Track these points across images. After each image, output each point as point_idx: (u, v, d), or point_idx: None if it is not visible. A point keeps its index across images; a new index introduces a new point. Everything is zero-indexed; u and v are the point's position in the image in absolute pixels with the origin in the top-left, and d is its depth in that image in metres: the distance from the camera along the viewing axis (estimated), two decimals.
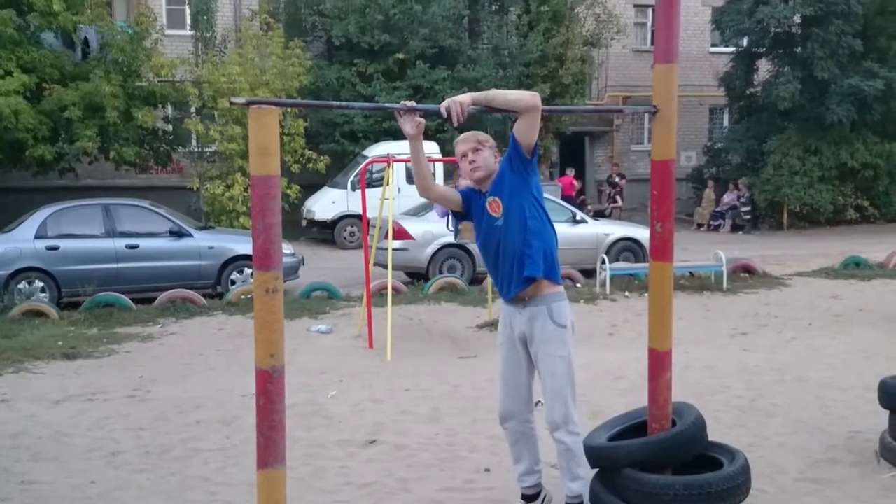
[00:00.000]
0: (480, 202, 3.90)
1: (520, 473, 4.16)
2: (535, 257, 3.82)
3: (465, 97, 3.60)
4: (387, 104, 3.60)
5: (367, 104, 4.15)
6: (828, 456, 5.05)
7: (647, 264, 13.73)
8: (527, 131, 3.71)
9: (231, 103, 3.40)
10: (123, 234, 11.72)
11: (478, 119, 18.16)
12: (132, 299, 10.83)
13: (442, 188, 4.14)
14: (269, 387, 3.22)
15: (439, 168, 15.51)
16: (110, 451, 5.39)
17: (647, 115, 25.38)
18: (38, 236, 11.34)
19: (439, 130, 19.56)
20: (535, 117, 3.67)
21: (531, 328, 3.87)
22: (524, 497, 4.16)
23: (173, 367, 7.94)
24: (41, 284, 11.19)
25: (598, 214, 19.83)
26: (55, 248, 11.31)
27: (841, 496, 4.43)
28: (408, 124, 3.60)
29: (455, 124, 3.62)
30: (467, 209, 3.99)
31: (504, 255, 3.84)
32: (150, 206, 12.39)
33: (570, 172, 22.10)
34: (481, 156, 3.87)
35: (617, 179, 22.36)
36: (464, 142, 3.92)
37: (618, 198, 22.00)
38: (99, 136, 15.79)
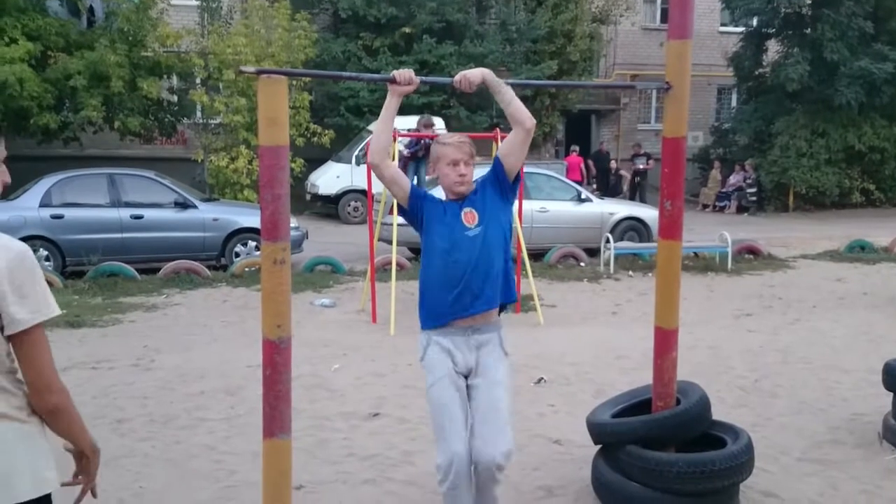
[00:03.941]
0: (451, 211, 3.51)
1: None
2: (514, 283, 3.65)
3: (478, 74, 3.45)
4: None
5: (376, 76, 4.14)
6: (830, 437, 5.08)
7: (651, 244, 13.69)
8: (516, 152, 3.51)
9: (240, 72, 3.37)
10: (128, 205, 11.71)
11: (487, 96, 18.11)
12: (136, 269, 10.85)
13: (397, 169, 3.65)
14: (275, 357, 3.22)
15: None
16: (115, 419, 5.42)
17: (654, 94, 25.33)
18: (42, 205, 11.34)
19: (445, 106, 19.47)
20: (526, 138, 3.50)
21: (478, 356, 3.52)
22: None
23: (177, 338, 7.96)
24: (45, 253, 11.19)
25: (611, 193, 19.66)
26: (60, 217, 11.31)
27: (843, 477, 4.45)
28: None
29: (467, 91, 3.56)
30: (416, 208, 3.55)
31: (476, 270, 3.43)
32: (155, 177, 12.36)
33: (575, 150, 21.79)
34: (470, 171, 3.51)
35: (644, 160, 21.80)
36: (458, 148, 3.50)
37: (621, 172, 21.74)
38: (104, 105, 15.74)
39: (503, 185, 3.57)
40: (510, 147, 3.56)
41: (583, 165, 21.29)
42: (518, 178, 3.66)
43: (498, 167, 3.57)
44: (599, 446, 4.22)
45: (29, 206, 11.28)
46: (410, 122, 13.52)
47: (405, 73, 3.41)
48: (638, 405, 4.28)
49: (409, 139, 10.66)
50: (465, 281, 3.42)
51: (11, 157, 2.42)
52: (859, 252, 13.36)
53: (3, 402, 2.06)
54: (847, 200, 21.43)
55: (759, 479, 4.26)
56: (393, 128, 3.57)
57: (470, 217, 3.49)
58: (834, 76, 19.97)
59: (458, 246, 3.45)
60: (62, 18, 15.91)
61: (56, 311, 2.10)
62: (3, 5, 14.63)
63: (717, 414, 4.32)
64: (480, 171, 3.68)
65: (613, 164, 21.99)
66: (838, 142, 20.61)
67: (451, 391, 3.49)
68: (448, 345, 3.50)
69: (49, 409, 2.10)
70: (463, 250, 3.44)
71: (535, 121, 3.54)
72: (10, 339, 2.05)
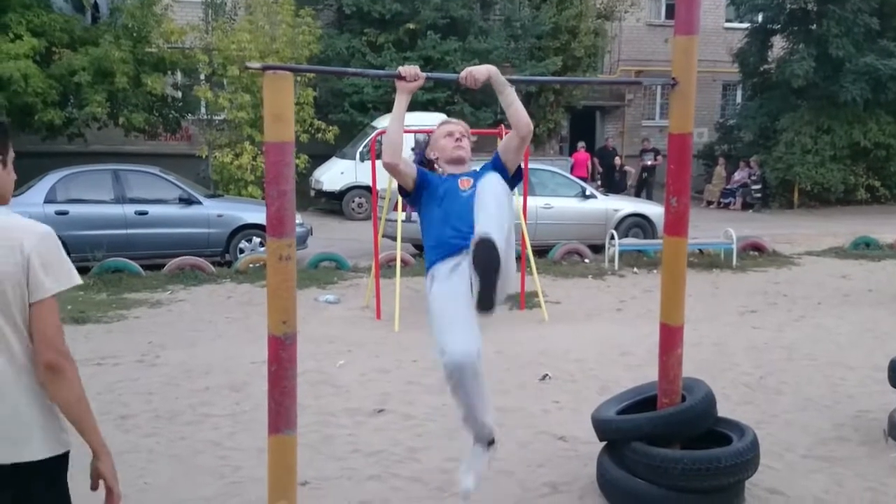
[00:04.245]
0: (448, 180, 3.65)
1: (488, 419, 3.56)
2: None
3: (483, 71, 3.53)
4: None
5: (382, 72, 4.13)
6: (835, 434, 5.07)
7: (656, 241, 13.63)
8: (511, 152, 3.65)
9: (246, 68, 3.38)
10: (133, 201, 11.70)
11: (492, 93, 18.07)
12: (141, 265, 10.85)
13: (408, 161, 3.73)
14: (281, 353, 3.23)
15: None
16: (120, 415, 5.43)
17: (659, 90, 25.23)
18: (47, 201, 11.32)
19: (449, 102, 19.45)
20: (521, 144, 3.62)
21: None
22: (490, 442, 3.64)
23: (182, 334, 7.96)
24: None
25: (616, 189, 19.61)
26: (64, 213, 11.30)
27: (848, 474, 4.44)
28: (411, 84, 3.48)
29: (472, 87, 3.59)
30: (420, 185, 3.65)
31: (468, 213, 3.40)
32: (159, 173, 12.35)
33: (581, 146, 21.71)
34: (466, 142, 3.78)
35: (651, 156, 21.66)
36: (456, 123, 3.87)
37: (626, 168, 21.68)
38: (108, 101, 15.72)
39: (501, 175, 3.63)
40: (506, 147, 3.70)
41: (590, 162, 21.20)
42: (519, 174, 3.75)
43: (497, 160, 3.72)
44: (604, 443, 4.22)
45: (33, 202, 11.26)
46: (414, 118, 13.51)
47: (411, 70, 3.44)
48: (643, 402, 4.27)
49: (415, 156, 10.55)
50: (460, 224, 3.46)
51: (16, 154, 2.46)
52: (864, 249, 13.33)
53: (20, 379, 2.28)
54: (852, 197, 21.36)
55: (765, 476, 4.25)
56: (402, 128, 3.59)
57: (465, 182, 3.64)
58: (839, 72, 19.89)
59: (452, 202, 3.56)
60: (67, 14, 15.89)
61: (77, 280, 2.39)
62: (7, 1, 14.63)
63: (722, 411, 4.32)
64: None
65: (618, 161, 21.89)
66: (843, 138, 20.54)
67: (456, 283, 3.41)
68: (449, 268, 3.47)
69: (50, 366, 2.26)
70: (457, 204, 3.54)
71: (531, 127, 3.61)
72: (31, 306, 2.28)
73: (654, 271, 11.08)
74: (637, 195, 20.00)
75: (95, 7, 16.63)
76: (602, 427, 4.18)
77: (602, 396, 5.11)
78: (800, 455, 4.72)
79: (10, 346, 2.26)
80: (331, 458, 4.72)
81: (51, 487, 2.34)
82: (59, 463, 2.36)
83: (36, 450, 2.28)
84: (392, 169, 3.55)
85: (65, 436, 2.37)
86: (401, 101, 3.51)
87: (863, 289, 10.36)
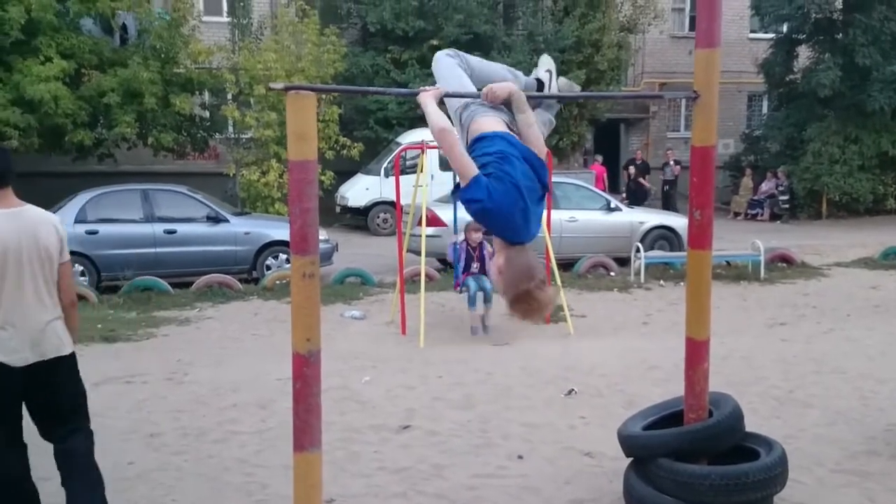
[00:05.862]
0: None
1: None
2: None
3: (504, 89, 3.47)
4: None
5: (404, 90, 4.17)
6: (866, 448, 5.00)
7: (682, 253, 13.55)
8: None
9: (269, 89, 3.44)
10: (162, 220, 11.84)
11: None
12: (170, 283, 10.97)
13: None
14: (305, 370, 3.25)
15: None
16: (149, 433, 5.48)
17: (683, 102, 25.09)
18: (77, 221, 11.48)
19: None
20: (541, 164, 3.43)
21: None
22: None
23: (210, 351, 8.03)
24: (81, 268, 11.32)
25: (635, 200, 19.53)
26: (94, 233, 11.47)
27: (879, 489, 4.38)
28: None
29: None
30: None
31: None
32: (187, 192, 12.51)
33: (598, 159, 21.67)
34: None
35: (671, 164, 21.59)
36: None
37: (641, 179, 21.60)
38: (137, 121, 15.95)
39: None
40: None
41: (605, 175, 21.17)
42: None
43: None
44: (631, 459, 4.19)
45: (64, 222, 11.38)
46: (427, 134, 13.54)
47: (431, 89, 3.45)
48: (670, 417, 4.24)
49: (451, 250, 9.32)
50: None
51: (47, 174, 2.54)
52: (894, 259, 13.15)
53: (55, 310, 3.74)
54: (881, 207, 21.10)
55: (794, 491, 4.21)
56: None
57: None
58: (866, 81, 19.70)
59: None
60: (95, 37, 16.14)
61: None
62: (37, 25, 14.92)
63: (750, 425, 4.27)
64: None
65: (633, 171, 21.81)
66: (871, 148, 20.32)
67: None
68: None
69: (73, 303, 3.88)
70: None
71: (546, 151, 3.49)
72: (60, 265, 3.77)
73: (681, 284, 10.99)
74: (665, 207, 19.87)
75: (124, 29, 16.87)
76: (628, 443, 4.15)
77: (628, 411, 5.09)
78: (829, 470, 4.66)
79: (52, 290, 3.74)
80: (356, 475, 4.73)
81: (73, 371, 3.81)
82: (74, 356, 3.81)
83: (67, 348, 3.76)
84: (448, 133, 3.31)
85: (71, 342, 3.81)
86: (430, 104, 3.40)
87: (893, 300, 10.22)
